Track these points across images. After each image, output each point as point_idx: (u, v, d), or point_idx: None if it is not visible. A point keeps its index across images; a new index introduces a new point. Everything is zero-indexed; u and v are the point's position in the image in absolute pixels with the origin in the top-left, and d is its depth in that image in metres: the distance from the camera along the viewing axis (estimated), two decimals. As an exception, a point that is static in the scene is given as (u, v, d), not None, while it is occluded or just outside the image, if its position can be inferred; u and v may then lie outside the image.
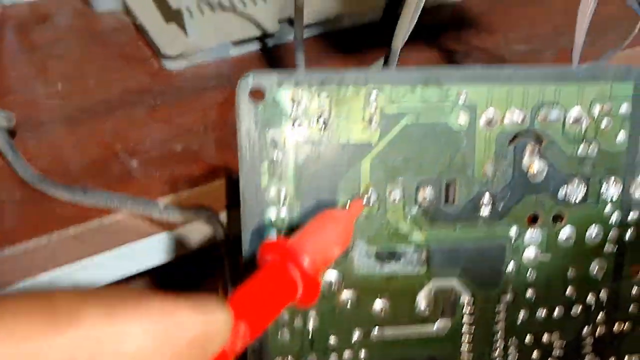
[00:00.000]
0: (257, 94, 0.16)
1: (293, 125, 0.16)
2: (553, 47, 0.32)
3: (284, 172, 0.16)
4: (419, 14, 0.20)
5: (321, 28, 0.32)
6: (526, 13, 0.35)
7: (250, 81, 0.15)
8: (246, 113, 0.15)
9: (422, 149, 0.17)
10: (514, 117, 0.17)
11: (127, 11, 0.33)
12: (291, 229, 0.16)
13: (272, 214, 0.16)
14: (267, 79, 0.15)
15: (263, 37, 0.31)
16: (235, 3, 0.32)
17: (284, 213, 0.16)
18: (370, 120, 0.16)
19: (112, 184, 0.24)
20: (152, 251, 0.24)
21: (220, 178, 0.24)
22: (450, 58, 0.31)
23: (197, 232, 0.24)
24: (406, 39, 0.21)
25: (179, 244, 0.24)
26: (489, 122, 0.17)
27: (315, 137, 0.16)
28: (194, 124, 0.27)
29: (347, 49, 0.32)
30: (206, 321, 0.10)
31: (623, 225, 0.18)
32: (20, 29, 0.32)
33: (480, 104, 0.16)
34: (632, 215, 0.18)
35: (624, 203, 0.18)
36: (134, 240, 0.23)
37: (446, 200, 0.17)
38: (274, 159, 0.16)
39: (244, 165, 0.16)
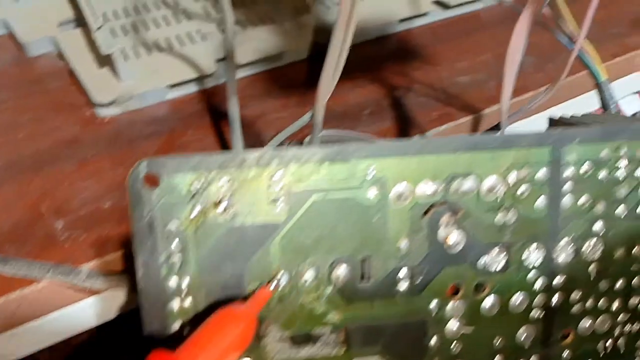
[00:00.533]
0: (152, 181, 0.15)
1: (192, 211, 0.15)
2: (496, 77, 0.32)
3: (185, 262, 0.15)
4: (343, 63, 0.19)
5: (262, 66, 0.32)
6: (470, 41, 0.34)
7: (143, 168, 0.15)
8: (140, 202, 0.15)
9: (333, 227, 0.16)
10: (427, 188, 0.16)
11: (61, 55, 0.32)
12: (197, 319, 0.15)
13: (175, 305, 0.15)
14: (161, 165, 0.15)
15: (201, 77, 0.30)
16: (173, 43, 0.32)
17: (187, 303, 0.15)
18: (276, 200, 0.16)
19: (36, 249, 0.23)
20: (78, 318, 0.23)
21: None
22: (393, 93, 0.31)
23: (122, 296, 0.23)
24: (331, 92, 0.21)
25: (106, 309, 0.23)
26: (401, 196, 0.16)
27: (217, 222, 0.15)
28: (125, 178, 0.26)
29: (290, 85, 0.31)
30: None
31: (548, 290, 0.17)
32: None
33: (391, 178, 0.16)
34: (557, 280, 0.18)
35: (548, 268, 0.17)
36: (58, 309, 0.23)
37: (362, 278, 0.16)
38: (172, 249, 0.15)
39: (140, 256, 0.15)
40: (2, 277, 0.22)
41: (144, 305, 0.15)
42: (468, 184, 0.16)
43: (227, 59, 0.24)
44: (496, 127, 0.31)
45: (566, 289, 0.18)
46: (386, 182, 0.16)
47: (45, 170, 0.26)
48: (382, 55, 0.33)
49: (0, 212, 0.24)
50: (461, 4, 0.36)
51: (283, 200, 0.15)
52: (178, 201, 0.15)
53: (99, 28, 0.29)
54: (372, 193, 0.16)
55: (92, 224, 0.24)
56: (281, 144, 0.24)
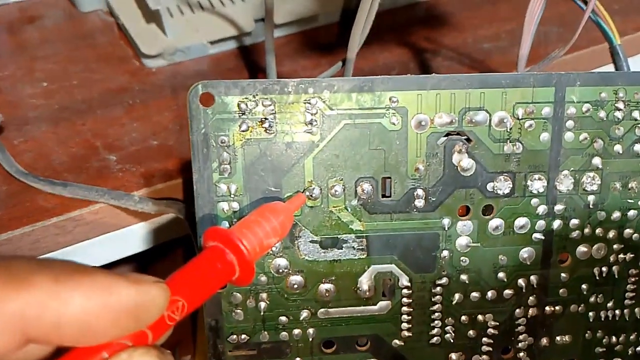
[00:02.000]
0: (207, 101, 0.17)
1: (240, 127, 0.18)
2: (519, 45, 0.33)
3: (233, 170, 0.18)
4: (372, 20, 0.22)
5: (296, 26, 0.34)
6: (495, 10, 0.36)
7: (200, 89, 0.17)
8: (197, 117, 0.17)
9: (360, 148, 0.18)
10: (443, 119, 0.18)
11: (111, 11, 0.34)
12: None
13: (223, 207, 0.18)
14: (215, 87, 0.17)
15: (240, 35, 0.33)
16: (214, 2, 0.34)
17: (234, 206, 0.18)
18: (312, 123, 0.18)
19: (93, 178, 0.25)
20: (130, 240, 0.26)
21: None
22: (420, 56, 0.33)
23: (171, 222, 0.26)
24: (361, 45, 0.23)
25: (155, 234, 0.26)
26: (420, 124, 0.18)
27: (260, 138, 0.18)
28: (170, 121, 0.28)
29: (322, 46, 0.33)
30: (141, 294, 0.12)
31: (549, 216, 0.20)
32: (10, 29, 0.33)
33: (411, 108, 0.18)
34: (557, 207, 0.20)
35: (549, 196, 0.19)
36: (113, 230, 0.25)
37: (383, 194, 0.19)
38: (224, 158, 0.18)
39: (196, 163, 0.17)
40: (62, 199, 0.24)
41: (198, 204, 0.18)
42: (480, 116, 0.18)
43: (265, 19, 0.26)
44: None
45: (565, 216, 0.20)
46: (407, 111, 0.18)
47: (98, 113, 0.29)
48: (410, 21, 0.35)
49: (59, 146, 0.27)
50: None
51: (317, 124, 0.18)
52: (228, 118, 0.17)
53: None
54: (394, 120, 0.18)
55: (142, 159, 0.26)
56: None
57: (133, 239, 0.26)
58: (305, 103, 0.18)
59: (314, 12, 0.34)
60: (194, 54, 0.32)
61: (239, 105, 0.17)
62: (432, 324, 0.20)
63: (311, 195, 0.18)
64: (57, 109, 0.29)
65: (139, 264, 0.32)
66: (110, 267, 0.27)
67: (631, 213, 0.20)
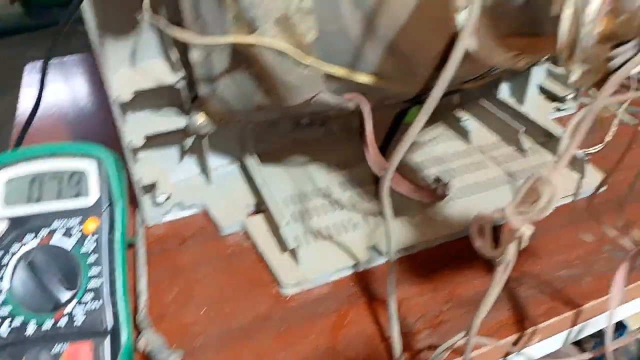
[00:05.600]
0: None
1: None
2: (590, 273, 0.39)
3: None
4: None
5: (398, 253, 0.40)
6: (567, 233, 0.42)
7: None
8: None
9: None
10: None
11: (248, 236, 0.41)
12: None
13: None
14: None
15: (356, 264, 0.39)
16: (331, 231, 0.41)
17: None
18: None
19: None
20: None
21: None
22: (505, 287, 0.38)
23: None
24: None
25: None
26: None
27: None
28: (311, 350, 0.34)
29: (424, 273, 0.39)
30: None
31: None
32: (163, 250, 0.40)
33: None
34: None
35: None
36: None
37: None
38: None
39: None
40: None
41: None
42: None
43: (388, 261, 0.32)
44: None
45: None
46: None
47: (251, 340, 0.35)
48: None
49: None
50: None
51: None
52: None
53: (286, 224, 0.39)
54: None
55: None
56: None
57: None
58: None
59: (414, 242, 0.40)
60: (320, 281, 0.38)
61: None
62: None
63: None
64: (218, 335, 0.35)
65: None
66: None
67: None
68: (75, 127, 0.57)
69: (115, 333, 0.29)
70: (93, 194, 0.32)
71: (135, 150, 0.40)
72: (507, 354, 0.35)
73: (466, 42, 0.23)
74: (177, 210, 0.43)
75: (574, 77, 0.24)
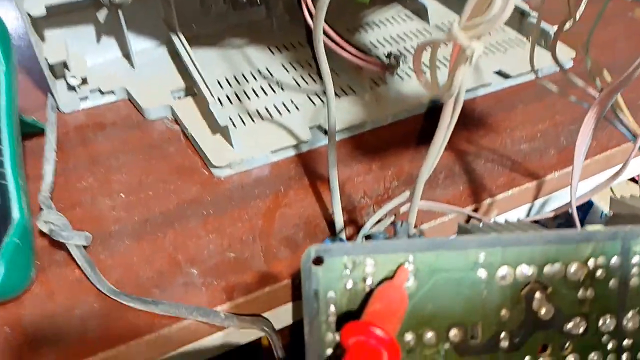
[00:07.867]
0: (318, 261, 0.19)
1: (345, 285, 0.20)
2: (554, 146, 0.36)
3: (338, 323, 0.20)
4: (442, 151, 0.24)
5: (347, 132, 0.36)
6: (529, 110, 0.39)
7: (312, 252, 0.19)
8: (309, 276, 0.19)
9: (451, 299, 0.20)
10: (524, 271, 0.21)
11: (176, 119, 0.37)
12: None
13: (330, 353, 0.20)
14: (325, 250, 0.19)
15: (298, 144, 0.35)
16: (271, 112, 0.36)
17: (338, 353, 0.20)
18: (408, 279, 0.20)
19: (179, 294, 0.27)
20: (208, 347, 0.28)
21: (269, 285, 0.28)
22: (463, 159, 0.35)
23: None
24: (430, 172, 0.25)
25: (229, 341, 0.28)
26: (504, 276, 0.20)
27: (364, 292, 0.20)
28: (244, 233, 0.30)
29: (371, 151, 0.35)
30: None
31: (618, 351, 0.22)
32: (81, 138, 0.36)
33: (496, 262, 0.20)
34: (625, 342, 0.22)
35: (618, 333, 0.22)
36: (196, 340, 0.27)
37: (471, 337, 0.21)
38: (330, 312, 0.20)
39: (307, 315, 0.19)
40: (154, 316, 0.26)
41: (308, 353, 0.20)
42: (556, 268, 0.21)
43: (328, 132, 0.29)
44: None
45: (633, 349, 0.22)
46: (493, 265, 0.20)
47: (176, 226, 0.31)
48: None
49: (144, 261, 0.29)
50: (520, 74, 0.41)
51: (412, 279, 0.20)
52: (335, 277, 0.19)
53: (215, 102, 0.34)
54: (482, 274, 0.20)
55: (221, 273, 0.28)
56: (380, 220, 0.29)
57: (211, 346, 0.28)
58: (402, 261, 0.20)
59: (361, 120, 0.36)
60: (258, 163, 0.34)
61: (344, 265, 0.20)
62: None
63: (407, 342, 0.20)
64: (137, 221, 0.31)
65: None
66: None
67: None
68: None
69: (4, 210, 0.25)
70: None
71: (38, 24, 0.34)
72: (468, 220, 0.32)
73: None
74: (97, 98, 0.38)
75: None
